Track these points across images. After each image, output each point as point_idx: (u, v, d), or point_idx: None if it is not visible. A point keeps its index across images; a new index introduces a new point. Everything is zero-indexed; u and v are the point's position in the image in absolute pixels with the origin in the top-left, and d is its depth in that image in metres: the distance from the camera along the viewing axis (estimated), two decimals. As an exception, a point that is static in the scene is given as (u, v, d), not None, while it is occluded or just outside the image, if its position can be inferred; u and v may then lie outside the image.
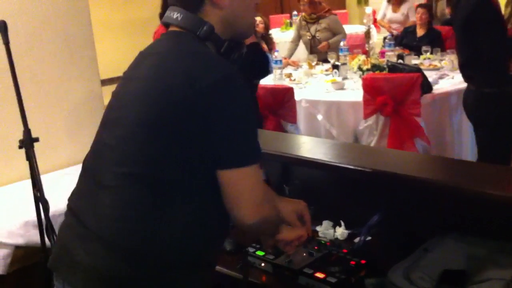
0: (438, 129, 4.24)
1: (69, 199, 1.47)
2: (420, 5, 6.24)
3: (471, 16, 3.32)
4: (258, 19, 5.54)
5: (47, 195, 2.18)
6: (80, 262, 1.33)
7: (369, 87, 4.09)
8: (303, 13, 6.22)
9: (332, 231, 2.01)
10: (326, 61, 5.64)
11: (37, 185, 2.17)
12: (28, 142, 2.18)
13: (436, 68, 4.97)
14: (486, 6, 3.30)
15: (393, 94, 4.02)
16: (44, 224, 2.17)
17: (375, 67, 4.74)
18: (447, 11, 7.34)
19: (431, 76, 4.50)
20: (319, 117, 4.36)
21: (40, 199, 2.17)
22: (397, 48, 5.56)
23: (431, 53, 5.47)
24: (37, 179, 2.17)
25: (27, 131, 2.19)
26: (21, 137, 2.20)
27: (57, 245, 1.46)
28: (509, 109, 3.37)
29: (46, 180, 2.36)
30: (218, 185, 1.30)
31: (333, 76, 4.95)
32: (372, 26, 6.73)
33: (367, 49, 5.80)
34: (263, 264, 1.81)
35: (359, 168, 1.96)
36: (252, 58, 3.11)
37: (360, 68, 4.89)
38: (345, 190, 2.10)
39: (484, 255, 1.58)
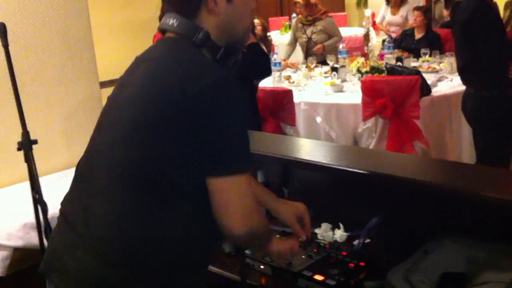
0: (437, 131, 4.24)
1: (62, 204, 1.47)
2: (416, 8, 6.25)
3: (470, 19, 3.33)
4: (256, 21, 5.54)
5: (46, 197, 2.18)
6: (70, 270, 1.33)
7: (368, 90, 4.09)
8: (299, 16, 6.23)
9: (331, 234, 2.01)
10: (325, 63, 5.64)
11: (35, 187, 2.17)
12: (26, 144, 2.18)
13: (435, 71, 4.98)
14: (485, 9, 3.31)
15: (392, 97, 4.02)
16: (43, 226, 2.17)
17: (374, 70, 4.74)
18: (445, 13, 7.36)
19: (430, 78, 4.50)
20: (318, 119, 4.37)
21: (38, 201, 2.17)
22: (396, 50, 5.57)
23: (430, 55, 5.48)
24: (35, 181, 2.17)
25: (26, 133, 2.19)
26: (19, 139, 2.19)
27: (49, 250, 1.46)
28: (508, 112, 3.37)
29: (44, 182, 2.36)
30: None
31: (332, 78, 4.95)
32: (371, 28, 6.74)
33: (366, 51, 5.80)
34: (262, 266, 1.81)
35: (358, 171, 1.95)
36: (252, 58, 3.12)
37: (359, 71, 4.89)
38: (344, 192, 2.10)
39: (484, 257, 1.58)
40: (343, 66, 5.03)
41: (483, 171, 2.12)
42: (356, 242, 1.88)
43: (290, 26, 8.19)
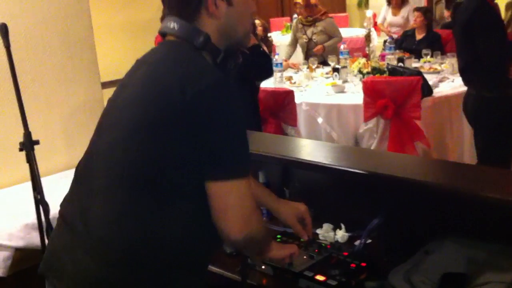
0: (438, 132, 4.24)
1: (61, 205, 1.47)
2: (416, 9, 6.25)
3: (470, 20, 3.33)
4: (257, 21, 5.54)
5: (47, 197, 2.19)
6: (69, 271, 1.33)
7: (370, 90, 4.09)
8: (300, 16, 6.22)
9: (333, 234, 2.01)
10: (325, 64, 5.65)
11: (37, 188, 2.18)
12: (28, 145, 2.18)
13: (436, 71, 4.98)
14: (486, 10, 3.31)
15: (394, 97, 4.02)
16: (44, 226, 2.17)
17: (375, 70, 4.74)
18: (446, 14, 7.36)
19: (431, 79, 4.50)
20: (320, 120, 4.37)
21: (40, 201, 2.18)
22: (397, 51, 5.57)
23: (431, 56, 5.48)
24: (37, 182, 2.18)
25: (27, 133, 2.19)
26: (21, 139, 2.20)
27: (48, 251, 1.47)
28: (508, 113, 3.37)
29: (46, 182, 2.36)
30: None
31: (333, 79, 4.95)
32: (373, 29, 6.73)
33: (367, 52, 5.80)
34: (263, 267, 1.81)
35: (360, 171, 1.96)
36: (254, 59, 3.12)
37: (360, 71, 4.89)
38: (345, 193, 2.10)
39: (484, 258, 1.58)
40: (344, 67, 5.03)
41: (484, 171, 2.12)
42: (357, 243, 1.88)
43: (291, 27, 8.20)
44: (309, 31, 6.04)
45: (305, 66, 5.53)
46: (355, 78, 4.86)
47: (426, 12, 6.04)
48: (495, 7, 3.50)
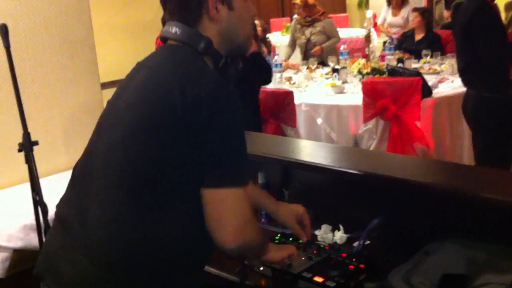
0: (438, 133, 4.24)
1: (57, 207, 1.47)
2: (414, 9, 6.25)
3: (470, 21, 3.33)
4: (257, 22, 5.54)
5: (46, 198, 2.18)
6: (66, 273, 1.33)
7: (369, 91, 4.10)
8: (298, 16, 6.22)
9: (331, 235, 2.00)
10: (323, 64, 5.64)
11: (36, 189, 2.17)
12: (27, 146, 2.18)
13: (436, 72, 4.98)
14: (486, 11, 3.31)
15: (393, 98, 4.03)
16: (43, 227, 2.17)
17: (375, 71, 4.75)
18: (446, 14, 7.36)
19: (431, 80, 4.50)
20: (319, 120, 4.37)
21: (39, 202, 2.17)
22: (397, 52, 5.57)
23: (431, 57, 5.47)
24: (36, 183, 2.17)
25: (26, 134, 2.19)
26: (20, 140, 2.20)
27: (43, 253, 1.46)
28: (508, 114, 3.37)
29: (45, 183, 2.36)
30: None
31: (333, 79, 4.95)
32: (373, 29, 6.73)
33: (367, 52, 5.80)
34: (262, 268, 1.81)
35: (359, 172, 1.95)
36: (254, 69, 3.14)
37: (360, 72, 4.89)
38: (344, 194, 2.10)
39: (484, 259, 1.58)
40: (344, 68, 5.03)
41: (483, 172, 2.12)
42: (356, 244, 1.87)
43: (291, 27, 8.21)
44: (308, 32, 6.03)
45: (305, 67, 5.53)
46: (355, 79, 4.87)
47: (423, 12, 6.03)
48: (495, 8, 3.50)
